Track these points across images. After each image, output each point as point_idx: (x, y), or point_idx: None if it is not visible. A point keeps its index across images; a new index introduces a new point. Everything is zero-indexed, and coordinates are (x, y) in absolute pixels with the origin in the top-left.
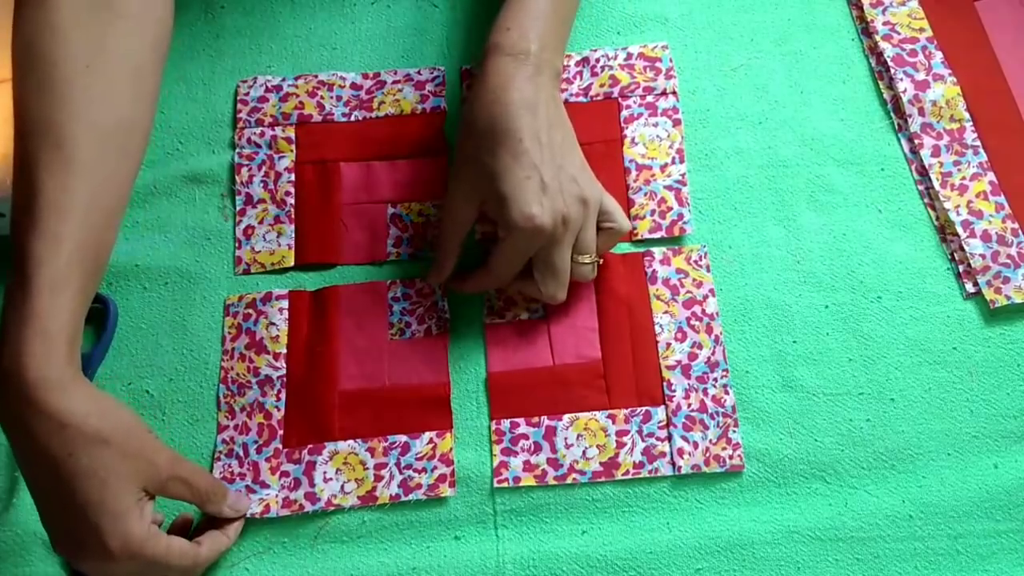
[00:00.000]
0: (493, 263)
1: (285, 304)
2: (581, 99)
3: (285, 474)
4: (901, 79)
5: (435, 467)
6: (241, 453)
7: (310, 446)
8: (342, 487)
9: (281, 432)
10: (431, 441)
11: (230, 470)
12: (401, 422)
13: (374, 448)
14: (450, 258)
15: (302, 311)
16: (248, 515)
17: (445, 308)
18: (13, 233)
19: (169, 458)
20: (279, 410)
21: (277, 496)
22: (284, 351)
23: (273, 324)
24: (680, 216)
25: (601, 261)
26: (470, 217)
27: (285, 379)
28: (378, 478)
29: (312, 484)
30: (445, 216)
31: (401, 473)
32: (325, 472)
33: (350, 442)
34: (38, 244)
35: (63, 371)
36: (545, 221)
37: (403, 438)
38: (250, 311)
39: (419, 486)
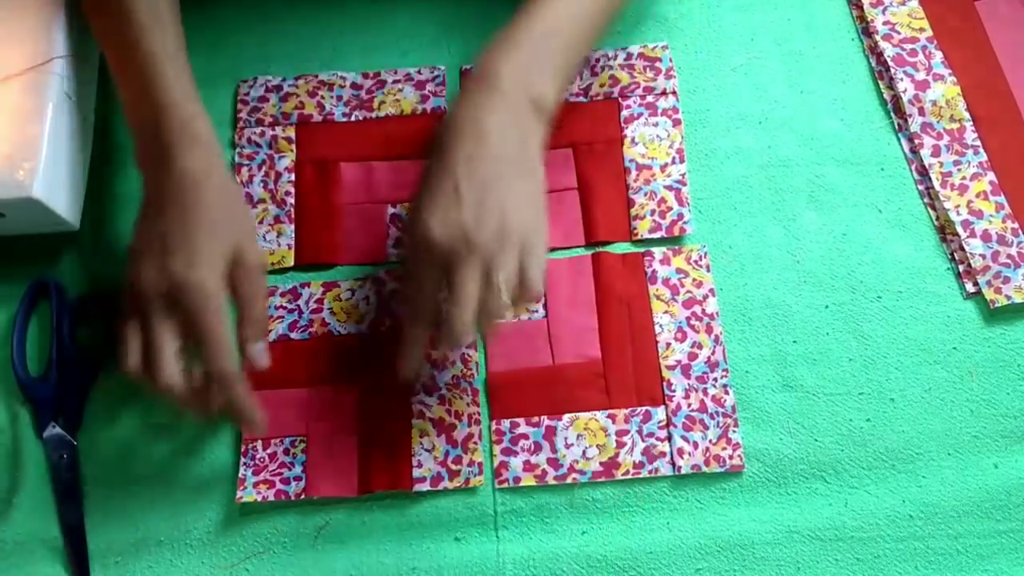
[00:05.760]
0: (403, 286)
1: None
2: (581, 99)
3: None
4: (901, 79)
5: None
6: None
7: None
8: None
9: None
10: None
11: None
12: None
13: None
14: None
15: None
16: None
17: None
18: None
19: (259, 252)
20: None
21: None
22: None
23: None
24: (680, 216)
25: (517, 313)
26: None
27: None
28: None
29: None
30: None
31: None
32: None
33: None
34: None
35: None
36: (437, 235)
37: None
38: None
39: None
